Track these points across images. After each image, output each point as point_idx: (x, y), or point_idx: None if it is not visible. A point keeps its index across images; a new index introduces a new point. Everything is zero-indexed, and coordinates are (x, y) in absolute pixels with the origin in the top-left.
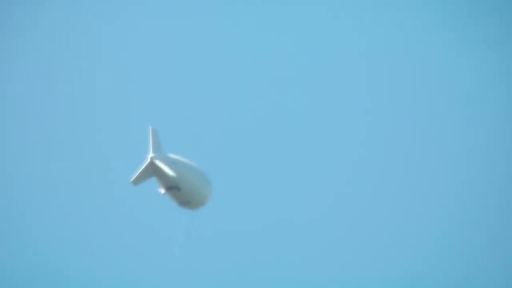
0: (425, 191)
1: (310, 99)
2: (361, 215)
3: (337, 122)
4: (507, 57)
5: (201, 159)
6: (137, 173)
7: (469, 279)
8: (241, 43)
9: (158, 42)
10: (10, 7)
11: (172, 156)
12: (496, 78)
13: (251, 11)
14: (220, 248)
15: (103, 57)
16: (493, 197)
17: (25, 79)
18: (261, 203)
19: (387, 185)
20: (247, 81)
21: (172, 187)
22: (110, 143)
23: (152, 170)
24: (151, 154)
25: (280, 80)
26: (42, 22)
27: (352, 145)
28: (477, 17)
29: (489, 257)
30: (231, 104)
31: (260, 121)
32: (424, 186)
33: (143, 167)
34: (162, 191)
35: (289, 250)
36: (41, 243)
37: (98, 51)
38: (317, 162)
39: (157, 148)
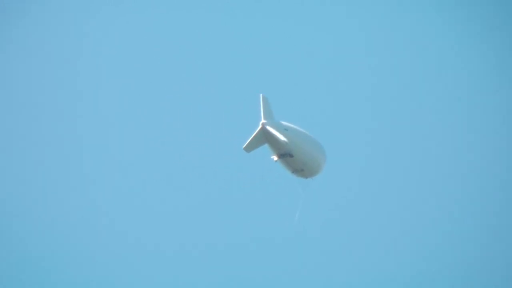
0: (435, 191)
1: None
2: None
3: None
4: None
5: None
6: (249, 140)
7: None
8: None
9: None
10: (10, 6)
11: (284, 123)
12: (498, 77)
13: None
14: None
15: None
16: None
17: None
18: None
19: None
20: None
21: (285, 154)
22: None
23: (264, 136)
24: (262, 120)
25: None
26: (42, 21)
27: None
28: (479, 16)
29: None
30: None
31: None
32: (433, 187)
33: (255, 133)
34: (275, 158)
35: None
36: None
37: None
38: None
39: (269, 115)
